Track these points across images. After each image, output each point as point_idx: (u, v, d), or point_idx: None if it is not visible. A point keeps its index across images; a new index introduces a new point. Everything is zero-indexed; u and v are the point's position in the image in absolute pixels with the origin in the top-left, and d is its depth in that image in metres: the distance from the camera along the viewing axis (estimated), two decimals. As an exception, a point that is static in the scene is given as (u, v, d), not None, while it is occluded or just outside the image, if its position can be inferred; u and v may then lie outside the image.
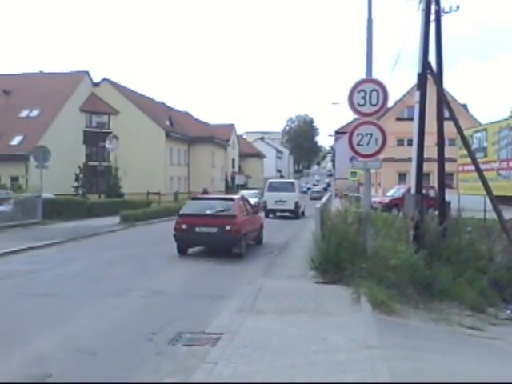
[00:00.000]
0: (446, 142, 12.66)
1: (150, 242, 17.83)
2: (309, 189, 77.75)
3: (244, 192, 34.47)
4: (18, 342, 6.58)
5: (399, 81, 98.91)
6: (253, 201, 25.00)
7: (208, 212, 14.19)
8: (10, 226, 20.26)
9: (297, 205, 28.25)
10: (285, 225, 24.59)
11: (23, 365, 5.80)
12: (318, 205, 13.43)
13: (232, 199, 14.97)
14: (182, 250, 14.33)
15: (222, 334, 6.71)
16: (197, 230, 13.69)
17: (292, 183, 30.78)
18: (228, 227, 13.49)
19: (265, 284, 9.94)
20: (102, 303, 8.84)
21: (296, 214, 28.38)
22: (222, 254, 14.08)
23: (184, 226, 13.84)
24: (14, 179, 36.25)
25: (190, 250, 14.75)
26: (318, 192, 66.14)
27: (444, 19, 11.80)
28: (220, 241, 13.74)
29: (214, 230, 13.61)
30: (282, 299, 8.63)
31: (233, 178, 68.96)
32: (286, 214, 28.72)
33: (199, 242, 14.31)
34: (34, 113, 44.25)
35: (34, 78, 48.90)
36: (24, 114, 44.40)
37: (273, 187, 29.20)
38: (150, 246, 16.78)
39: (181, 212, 14.52)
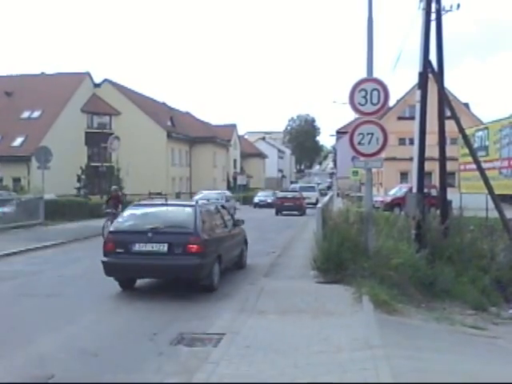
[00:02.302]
0: (448, 140, 12.68)
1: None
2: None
3: (205, 192, 31.65)
4: (20, 343, 6.60)
5: (400, 80, 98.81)
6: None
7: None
8: (12, 227, 20.30)
9: (317, 199, 37.22)
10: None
11: (26, 365, 5.81)
12: (320, 204, 13.41)
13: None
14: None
15: (223, 334, 6.71)
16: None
17: (313, 187, 49.29)
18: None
19: (266, 284, 9.94)
20: (103, 304, 8.86)
21: (316, 204, 31.32)
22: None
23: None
24: (16, 180, 36.26)
25: None
26: (324, 189, 72.40)
27: (445, 18, 11.82)
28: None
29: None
30: (283, 299, 8.63)
31: (234, 179, 68.83)
32: (310, 206, 34.80)
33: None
34: (36, 114, 44.24)
35: (35, 79, 48.87)
36: (26, 115, 44.39)
37: (302, 189, 43.44)
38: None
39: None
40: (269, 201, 43.30)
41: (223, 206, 12.79)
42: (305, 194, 38.90)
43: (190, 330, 7.12)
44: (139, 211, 10.39)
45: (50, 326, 7.42)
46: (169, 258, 9.20)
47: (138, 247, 9.29)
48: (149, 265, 9.30)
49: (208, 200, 13.87)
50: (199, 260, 9.08)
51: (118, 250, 9.45)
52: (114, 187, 20.44)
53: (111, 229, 10.20)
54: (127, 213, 10.37)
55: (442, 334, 7.52)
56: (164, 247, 9.20)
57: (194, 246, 9.14)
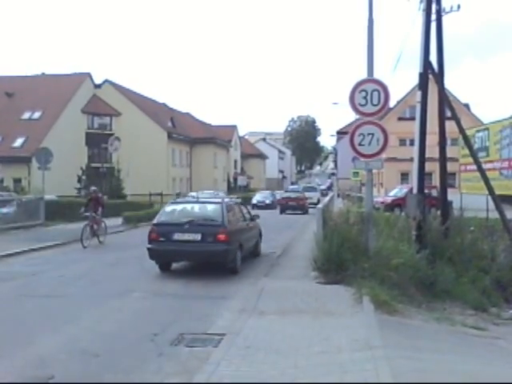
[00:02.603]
0: (448, 141, 12.65)
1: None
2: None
3: (193, 194, 24.81)
4: (20, 344, 6.60)
5: (401, 80, 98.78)
6: None
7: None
8: (12, 228, 20.31)
9: (318, 200, 38.00)
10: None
11: (26, 366, 5.81)
12: (320, 205, 13.41)
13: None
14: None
15: (224, 334, 6.72)
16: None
17: (315, 188, 51.78)
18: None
19: (267, 284, 9.94)
20: (104, 304, 8.86)
21: (317, 204, 32.08)
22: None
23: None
24: (17, 181, 36.27)
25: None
26: (325, 189, 72.91)
27: (445, 19, 11.84)
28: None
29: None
30: (284, 299, 8.63)
31: (235, 179, 68.92)
32: (312, 205, 34.67)
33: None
34: (36, 115, 44.26)
35: (36, 79, 48.94)
36: (26, 115, 44.42)
37: (304, 189, 47.33)
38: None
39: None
40: (267, 202, 42.24)
41: (243, 204, 15.08)
42: (307, 194, 41.00)
43: (191, 330, 7.12)
44: (177, 207, 12.76)
45: (50, 327, 7.42)
46: (202, 245, 11.21)
47: (176, 236, 11.34)
48: (185, 251, 11.39)
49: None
50: (226, 247, 11.11)
51: (161, 239, 11.48)
52: (92, 188, 18.39)
53: (155, 221, 12.07)
54: (168, 208, 12.60)
55: (443, 335, 7.52)
56: (198, 236, 11.23)
57: (222, 235, 11.15)
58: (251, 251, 13.70)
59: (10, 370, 5.67)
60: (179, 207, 12.68)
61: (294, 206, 35.00)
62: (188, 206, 12.69)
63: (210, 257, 11.32)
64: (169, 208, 12.58)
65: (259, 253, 14.55)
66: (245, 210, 14.10)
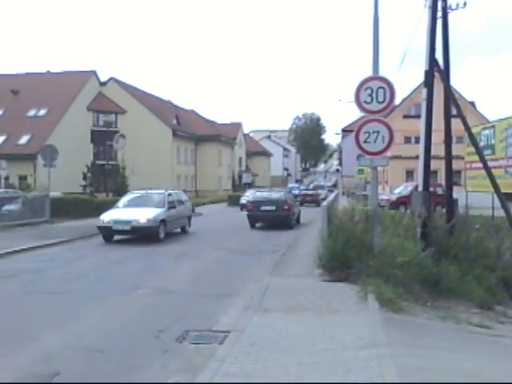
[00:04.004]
0: (454, 139, 12.64)
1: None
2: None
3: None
4: (26, 340, 6.63)
5: (406, 78, 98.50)
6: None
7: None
8: (18, 225, 20.38)
9: (326, 195, 44.40)
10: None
11: (31, 363, 5.84)
12: (325, 203, 13.41)
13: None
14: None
15: (229, 331, 6.73)
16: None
17: (323, 186, 68.65)
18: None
19: (271, 282, 9.94)
20: (109, 301, 8.88)
21: (325, 198, 35.53)
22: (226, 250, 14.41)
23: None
24: (23, 178, 36.40)
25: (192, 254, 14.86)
26: (331, 187, 74.25)
27: (451, 16, 11.77)
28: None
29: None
30: (288, 297, 8.63)
31: (240, 177, 68.94)
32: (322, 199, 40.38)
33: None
34: (42, 112, 44.38)
35: (41, 77, 49.04)
36: (32, 113, 44.54)
37: (315, 187, 58.96)
38: (156, 244, 16.83)
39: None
40: None
41: (290, 192, 30.20)
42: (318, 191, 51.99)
43: (196, 327, 7.13)
44: (259, 192, 25.74)
45: (55, 323, 7.45)
46: (276, 212, 21.76)
47: (262, 208, 22.09)
48: (267, 215, 21.96)
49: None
50: (288, 213, 21.85)
51: (254, 209, 22.31)
52: None
53: (251, 200, 24.33)
54: (257, 194, 25.31)
55: (448, 333, 7.51)
56: (273, 207, 21.85)
57: (286, 206, 21.85)
58: (296, 219, 23.86)
59: (16, 366, 5.70)
60: (260, 192, 25.79)
61: (310, 200, 43.04)
62: (264, 193, 25.14)
63: (281, 218, 21.83)
64: (255, 193, 25.97)
65: (299, 221, 24.30)
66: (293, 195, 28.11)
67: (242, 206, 35.29)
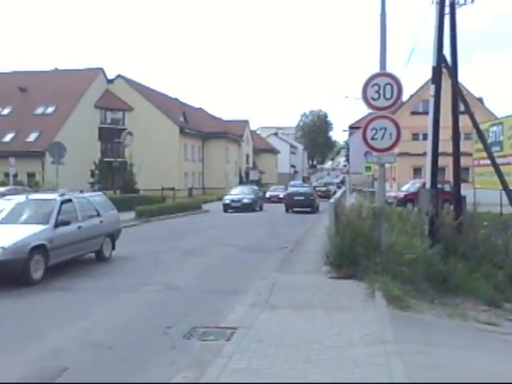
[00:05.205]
0: (462, 135, 12.53)
1: (165, 238, 17.94)
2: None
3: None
4: (34, 337, 6.68)
5: (414, 74, 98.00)
6: None
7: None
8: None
9: (334, 191, 48.50)
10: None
11: (40, 358, 5.88)
12: (332, 200, 13.40)
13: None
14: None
15: (236, 328, 6.74)
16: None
17: (332, 182, 73.29)
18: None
19: (279, 279, 9.95)
20: (117, 298, 8.93)
21: (334, 193, 39.48)
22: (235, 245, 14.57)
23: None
24: (31, 175, 36.61)
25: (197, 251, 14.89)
26: (339, 183, 77.86)
27: (459, 12, 11.70)
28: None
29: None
30: (296, 294, 8.64)
31: (247, 174, 68.92)
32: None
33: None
34: (50, 109, 44.53)
35: (49, 74, 49.21)
36: (39, 110, 44.71)
37: (326, 184, 63.64)
38: (164, 241, 16.88)
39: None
40: (246, 201, 32.60)
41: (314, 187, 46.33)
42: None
43: (203, 323, 7.15)
44: (292, 187, 39.68)
45: (63, 320, 7.50)
46: (305, 201, 32.00)
47: (295, 198, 32.32)
48: (299, 203, 31.88)
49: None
50: (313, 202, 32.13)
51: (290, 199, 32.57)
52: None
53: (288, 192, 35.89)
54: (291, 189, 37.61)
55: (455, 330, 7.49)
56: (303, 197, 32.19)
57: (312, 197, 32.55)
58: (317, 208, 32.75)
59: (25, 362, 5.74)
60: (293, 187, 39.27)
61: (323, 195, 45.62)
62: (296, 187, 38.27)
63: (308, 205, 31.46)
64: (291, 188, 38.44)
65: (316, 210, 32.21)
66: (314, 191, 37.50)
67: (226, 207, 32.29)
